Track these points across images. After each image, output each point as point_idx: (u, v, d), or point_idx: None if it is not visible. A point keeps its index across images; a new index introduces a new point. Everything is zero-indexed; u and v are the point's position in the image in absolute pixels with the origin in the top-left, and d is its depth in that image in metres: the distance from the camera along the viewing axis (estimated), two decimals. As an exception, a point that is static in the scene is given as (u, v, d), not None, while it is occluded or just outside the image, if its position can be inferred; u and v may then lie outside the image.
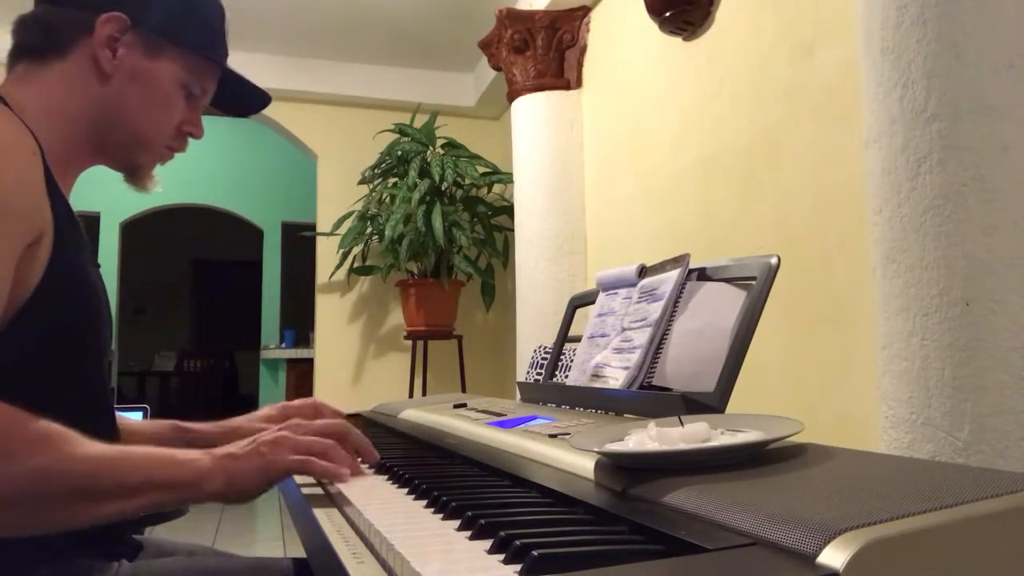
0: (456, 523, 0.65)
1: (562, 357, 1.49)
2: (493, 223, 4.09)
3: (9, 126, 0.85)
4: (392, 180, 4.03)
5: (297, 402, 1.18)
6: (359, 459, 0.94)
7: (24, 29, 0.97)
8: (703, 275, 1.06)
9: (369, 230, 3.98)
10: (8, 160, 0.82)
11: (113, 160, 1.03)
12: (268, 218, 7.12)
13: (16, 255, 0.80)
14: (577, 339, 1.32)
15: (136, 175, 1.05)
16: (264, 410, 1.19)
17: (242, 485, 0.81)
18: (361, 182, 4.14)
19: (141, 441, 1.07)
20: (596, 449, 0.71)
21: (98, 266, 1.00)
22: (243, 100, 1.16)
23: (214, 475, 0.80)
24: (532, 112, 3.30)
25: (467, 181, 3.99)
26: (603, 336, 1.20)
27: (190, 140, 1.08)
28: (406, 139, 4.00)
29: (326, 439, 0.88)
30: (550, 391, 1.31)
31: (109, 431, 0.98)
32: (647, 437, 0.72)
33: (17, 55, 0.96)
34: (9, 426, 0.71)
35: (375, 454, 0.95)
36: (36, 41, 0.96)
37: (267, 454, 0.83)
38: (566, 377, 1.29)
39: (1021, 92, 1.09)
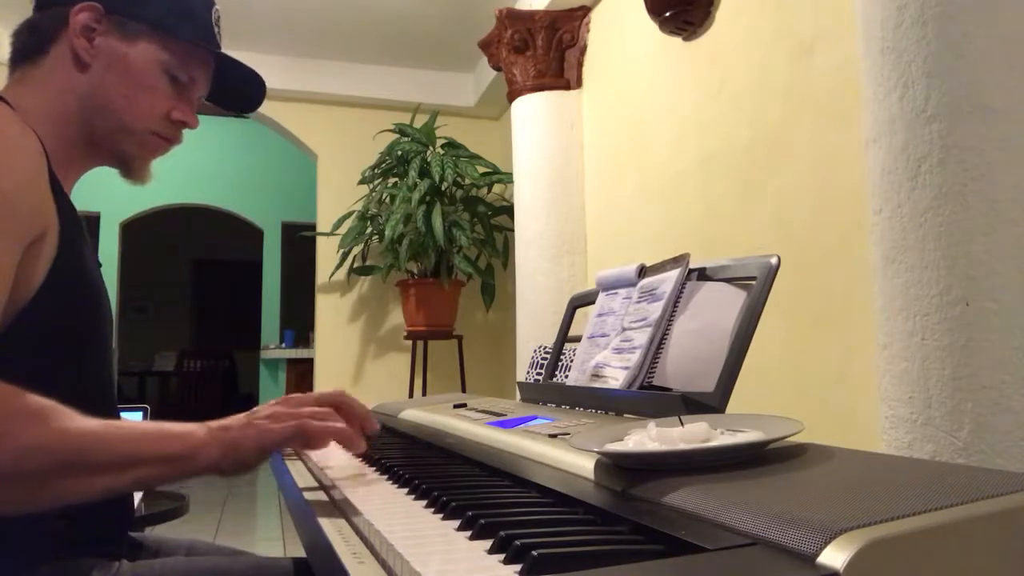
0: (456, 523, 0.65)
1: (562, 357, 1.48)
2: (493, 223, 4.09)
3: (14, 126, 0.86)
4: (392, 180, 4.03)
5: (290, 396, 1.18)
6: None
7: (17, 37, 1.00)
8: (703, 275, 1.06)
9: (369, 230, 3.98)
10: (14, 157, 0.83)
11: (104, 152, 1.02)
12: (268, 218, 7.12)
13: (19, 252, 0.80)
14: (577, 339, 1.32)
15: (127, 166, 1.04)
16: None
17: (239, 456, 0.82)
18: (361, 182, 4.14)
19: None
20: (596, 449, 0.71)
21: (99, 265, 1.00)
22: (239, 93, 1.15)
23: (209, 447, 0.81)
24: (532, 112, 3.30)
25: (467, 181, 3.99)
26: (603, 336, 1.20)
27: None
28: (406, 139, 4.00)
29: (323, 408, 0.89)
30: (550, 391, 1.31)
31: None
32: (647, 437, 0.72)
33: (14, 62, 0.99)
34: None
35: (375, 424, 0.95)
36: (26, 45, 0.99)
37: (263, 425, 0.84)
38: (566, 377, 1.29)
39: (1021, 92, 1.09)
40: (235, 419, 0.85)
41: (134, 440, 0.78)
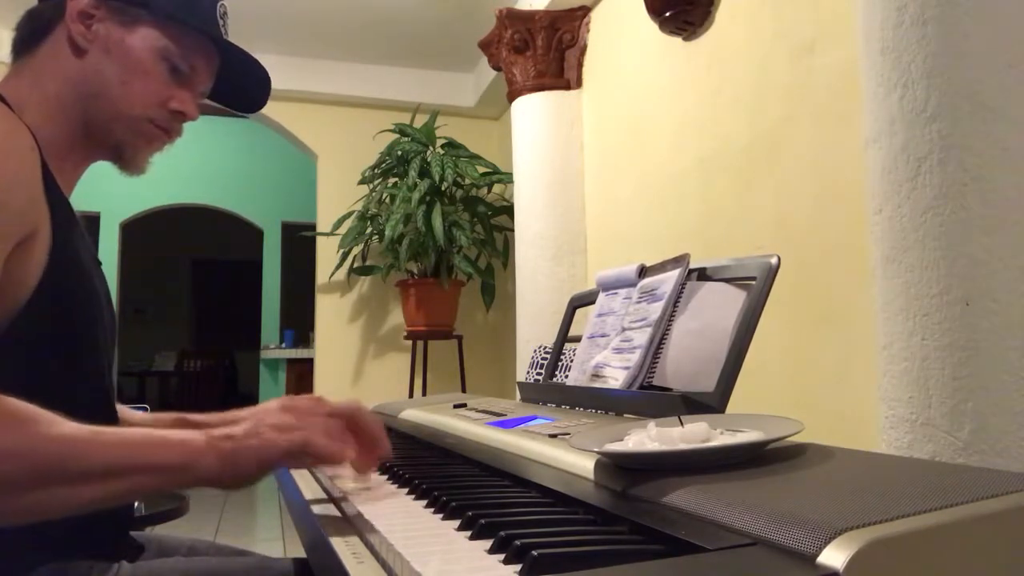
0: (456, 523, 0.65)
1: (562, 357, 1.49)
2: (493, 223, 4.09)
3: (5, 123, 0.85)
4: (392, 180, 4.03)
5: (301, 397, 1.15)
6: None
7: (18, 29, 0.99)
8: (703, 275, 1.06)
9: (369, 230, 3.98)
10: (3, 156, 0.82)
11: (99, 143, 0.99)
12: (268, 218, 7.12)
13: (7, 250, 0.79)
14: (577, 339, 1.32)
15: (121, 155, 1.01)
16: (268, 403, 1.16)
17: (239, 469, 0.76)
18: (361, 182, 4.14)
19: None
20: (596, 449, 0.71)
21: (99, 264, 0.99)
22: (243, 91, 1.13)
23: (207, 457, 0.75)
24: (532, 112, 3.30)
25: (467, 181, 3.99)
26: (603, 336, 1.20)
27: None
28: (406, 139, 4.00)
29: (334, 422, 0.83)
30: (550, 391, 1.31)
31: None
32: (647, 437, 0.72)
33: (15, 52, 0.99)
34: None
35: (388, 446, 0.89)
36: (25, 36, 0.98)
37: (266, 436, 0.78)
38: (566, 377, 1.29)
39: (1021, 92, 1.09)
40: (238, 426, 0.79)
41: (123, 448, 0.73)
